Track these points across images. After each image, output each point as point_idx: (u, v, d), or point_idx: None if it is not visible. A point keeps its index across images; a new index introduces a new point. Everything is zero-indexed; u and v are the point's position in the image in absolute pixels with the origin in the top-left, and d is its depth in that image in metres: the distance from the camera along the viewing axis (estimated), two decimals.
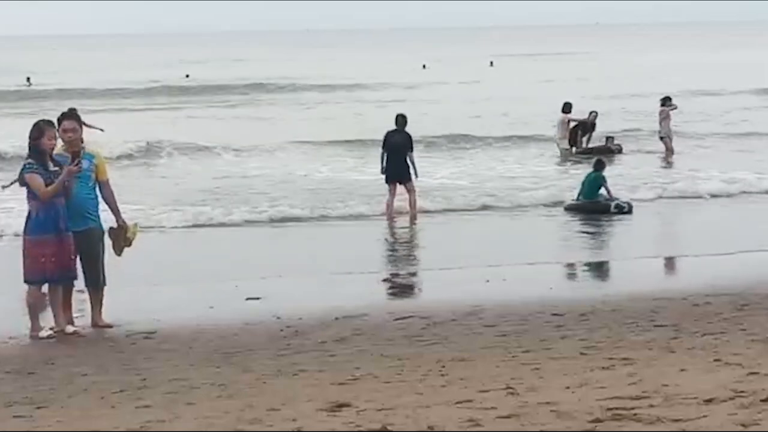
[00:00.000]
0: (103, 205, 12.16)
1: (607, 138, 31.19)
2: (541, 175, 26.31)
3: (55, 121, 11.98)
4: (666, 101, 30.28)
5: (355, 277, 15.09)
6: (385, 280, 14.53)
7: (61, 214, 11.57)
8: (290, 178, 26.21)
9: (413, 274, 15.87)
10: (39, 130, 11.62)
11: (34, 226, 11.57)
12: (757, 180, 24.16)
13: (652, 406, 6.88)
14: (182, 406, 8.01)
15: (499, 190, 23.47)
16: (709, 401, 6.92)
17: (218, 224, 19.89)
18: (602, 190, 21.19)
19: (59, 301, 11.68)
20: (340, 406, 7.43)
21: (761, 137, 34.40)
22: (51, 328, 11.61)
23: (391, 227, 20.02)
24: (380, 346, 10.46)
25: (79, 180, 11.70)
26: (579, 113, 30.84)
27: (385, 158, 21.30)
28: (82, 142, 12.10)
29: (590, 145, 30.56)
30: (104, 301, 12.02)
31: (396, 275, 15.61)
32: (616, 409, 6.81)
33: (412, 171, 21.10)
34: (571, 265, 16.27)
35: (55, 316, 11.68)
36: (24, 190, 11.73)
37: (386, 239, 19.25)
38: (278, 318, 12.09)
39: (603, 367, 8.61)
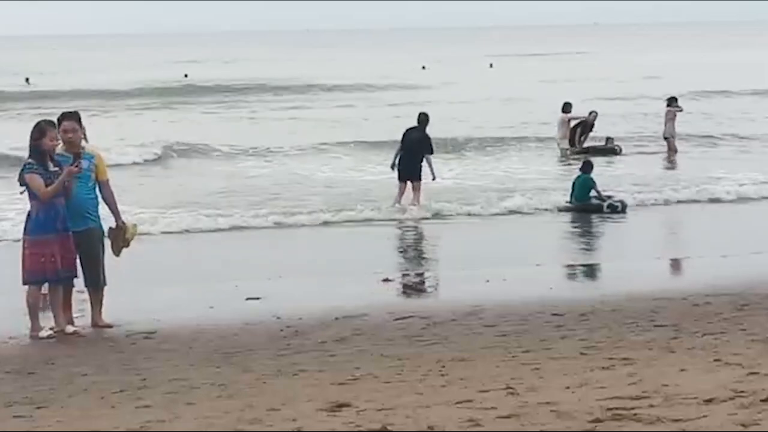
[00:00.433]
0: (103, 206, 12.18)
1: (607, 139, 31.18)
2: (542, 175, 26.31)
3: (55, 121, 11.99)
4: (672, 102, 30.39)
5: (355, 277, 15.09)
6: (385, 280, 14.50)
7: (61, 214, 11.57)
8: (290, 179, 26.20)
9: (413, 275, 15.86)
10: (40, 130, 11.62)
11: (34, 226, 11.58)
12: (760, 182, 24.13)
13: (652, 406, 6.88)
14: (182, 406, 8.01)
15: (499, 190, 23.46)
16: (709, 401, 6.92)
17: (218, 226, 19.80)
18: (593, 192, 21.22)
19: (59, 301, 11.69)
20: (340, 406, 7.43)
21: (761, 139, 34.38)
22: (51, 328, 11.61)
23: (392, 228, 19.99)
24: (380, 346, 10.45)
25: (78, 180, 11.70)
26: (579, 113, 30.88)
27: (398, 156, 21.27)
28: (86, 140, 12.11)
29: (588, 145, 30.55)
30: (104, 301, 12.02)
31: (396, 275, 15.59)
32: (616, 409, 6.80)
33: (428, 172, 21.03)
34: (570, 266, 16.27)
35: (55, 316, 11.68)
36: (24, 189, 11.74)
37: (386, 239, 19.22)
38: (278, 318, 12.09)
39: (603, 367, 8.60)
